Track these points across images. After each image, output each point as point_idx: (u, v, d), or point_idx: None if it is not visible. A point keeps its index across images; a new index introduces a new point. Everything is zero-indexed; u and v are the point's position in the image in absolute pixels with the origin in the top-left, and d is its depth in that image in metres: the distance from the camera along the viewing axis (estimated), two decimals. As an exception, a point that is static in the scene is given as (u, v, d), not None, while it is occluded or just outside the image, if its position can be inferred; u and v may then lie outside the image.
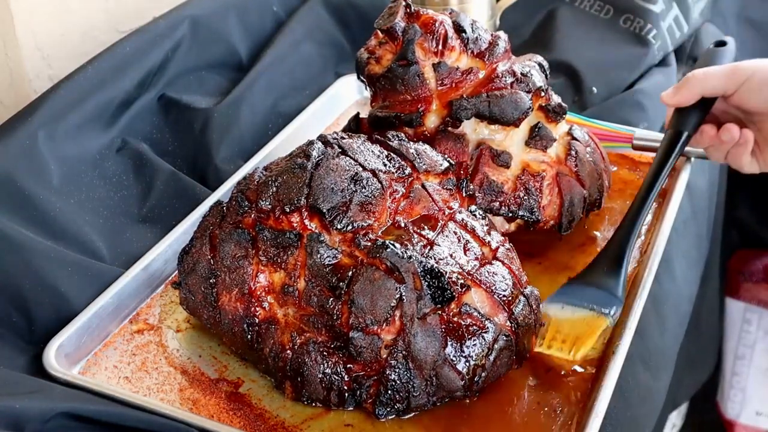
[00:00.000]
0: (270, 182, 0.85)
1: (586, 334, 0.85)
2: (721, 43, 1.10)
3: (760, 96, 0.98)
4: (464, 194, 0.90)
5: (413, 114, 0.96)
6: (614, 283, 0.89)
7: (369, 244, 0.81)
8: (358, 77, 1.03)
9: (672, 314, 1.02)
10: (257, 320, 0.83)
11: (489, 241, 0.86)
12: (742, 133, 1.00)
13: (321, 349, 0.80)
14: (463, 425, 0.81)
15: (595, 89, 1.27)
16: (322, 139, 0.88)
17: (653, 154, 1.15)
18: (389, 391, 0.79)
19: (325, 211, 0.82)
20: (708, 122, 1.03)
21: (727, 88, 1.00)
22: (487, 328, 0.80)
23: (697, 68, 1.03)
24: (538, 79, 0.99)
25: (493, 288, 0.82)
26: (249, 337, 0.83)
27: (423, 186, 0.87)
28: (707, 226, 1.26)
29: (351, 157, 0.85)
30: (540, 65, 1.01)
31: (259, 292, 0.83)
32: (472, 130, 0.98)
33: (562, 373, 0.86)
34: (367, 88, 1.02)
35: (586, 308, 0.87)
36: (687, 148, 1.11)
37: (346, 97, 1.29)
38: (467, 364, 0.80)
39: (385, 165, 0.87)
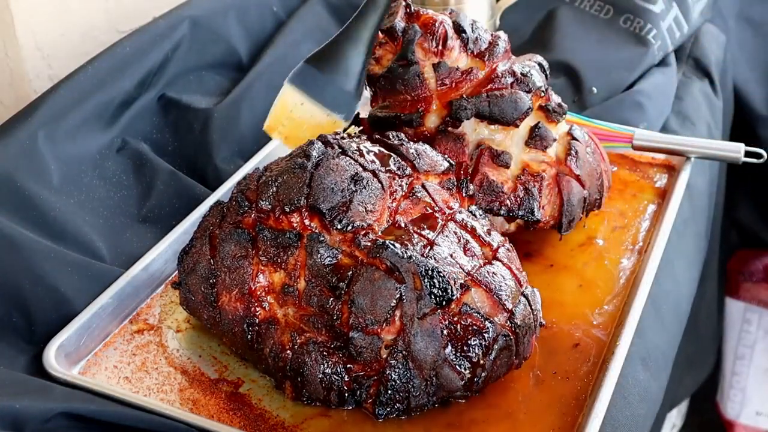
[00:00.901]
0: (270, 182, 0.85)
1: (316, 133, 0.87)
2: None
3: None
4: (464, 194, 0.90)
5: (413, 114, 0.96)
6: (352, 76, 0.90)
7: (369, 244, 0.81)
8: (359, 77, 1.03)
9: (671, 314, 1.02)
10: (257, 320, 0.83)
11: (489, 242, 0.86)
12: None
13: (321, 349, 0.80)
14: (463, 425, 0.81)
15: (595, 89, 1.27)
16: (322, 139, 0.88)
17: (653, 154, 1.15)
18: (389, 391, 0.79)
19: (325, 211, 0.82)
20: None
21: None
22: (487, 328, 0.80)
23: None
24: (538, 79, 0.99)
25: (493, 288, 0.82)
26: (249, 337, 0.83)
27: (423, 186, 0.87)
28: (706, 226, 1.26)
29: (351, 157, 0.85)
30: (540, 65, 1.01)
31: (259, 292, 0.83)
32: (472, 130, 0.98)
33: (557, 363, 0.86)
34: (367, 88, 1.02)
35: (325, 112, 0.89)
36: (685, 147, 1.12)
37: (346, 97, 1.28)
38: (467, 364, 0.80)
39: (385, 165, 0.87)
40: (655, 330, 0.96)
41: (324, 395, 0.81)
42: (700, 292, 1.24)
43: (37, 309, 0.90)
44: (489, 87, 0.96)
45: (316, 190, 0.83)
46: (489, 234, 0.87)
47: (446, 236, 0.84)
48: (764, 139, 1.52)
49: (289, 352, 0.81)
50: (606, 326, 0.91)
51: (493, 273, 0.83)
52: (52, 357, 0.85)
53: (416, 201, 0.86)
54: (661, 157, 1.15)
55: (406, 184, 0.87)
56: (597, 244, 1.03)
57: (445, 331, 0.79)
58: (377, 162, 0.87)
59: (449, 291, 0.79)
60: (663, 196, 1.09)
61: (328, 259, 0.81)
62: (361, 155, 0.86)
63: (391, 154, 0.89)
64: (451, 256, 0.82)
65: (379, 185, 0.84)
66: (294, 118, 0.88)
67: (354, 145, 0.87)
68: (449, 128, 0.97)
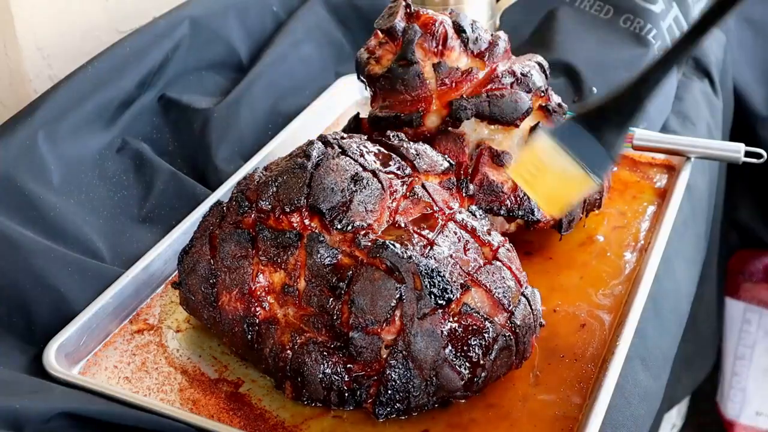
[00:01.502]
0: (270, 182, 0.85)
1: (568, 191, 0.82)
2: None
3: None
4: (464, 194, 0.90)
5: (413, 114, 0.96)
6: (615, 140, 0.81)
7: (369, 244, 0.81)
8: (358, 77, 1.03)
9: (671, 314, 1.02)
10: (257, 320, 0.83)
11: (489, 241, 0.86)
12: None
13: (321, 349, 0.80)
14: (463, 425, 0.81)
15: (595, 89, 1.27)
16: (322, 139, 0.88)
17: (653, 154, 1.15)
18: (389, 391, 0.79)
19: (325, 211, 0.82)
20: None
21: None
22: (487, 328, 0.80)
23: None
24: (538, 79, 0.99)
25: (494, 288, 0.82)
26: (249, 337, 0.83)
27: (423, 186, 0.87)
28: (706, 226, 1.26)
29: (351, 157, 0.85)
30: (540, 65, 1.01)
31: (259, 292, 0.83)
32: (472, 130, 0.98)
33: (563, 357, 0.86)
34: (367, 88, 1.02)
35: (578, 164, 0.81)
36: (685, 147, 1.11)
37: (346, 97, 1.29)
38: (467, 364, 0.80)
39: (385, 165, 0.87)
40: (656, 330, 0.96)
41: (324, 395, 0.81)
42: (699, 292, 1.24)
43: (37, 309, 0.90)
44: (489, 87, 0.96)
45: (316, 190, 0.83)
46: (489, 234, 0.87)
47: (446, 236, 0.84)
48: (764, 139, 1.52)
49: (289, 352, 0.81)
50: (610, 309, 0.92)
51: (494, 273, 0.83)
52: (52, 357, 0.85)
53: (416, 201, 0.86)
54: (661, 157, 1.15)
55: (406, 184, 0.87)
56: (597, 244, 1.03)
57: (445, 331, 0.79)
58: (377, 162, 0.87)
59: (449, 291, 0.79)
60: (663, 196, 1.09)
61: (328, 259, 0.81)
62: (361, 155, 0.86)
63: (391, 154, 0.89)
64: (451, 256, 0.82)
65: (379, 185, 0.84)
66: (543, 166, 0.82)
67: (354, 145, 0.87)
68: (449, 128, 0.97)
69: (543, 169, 0.81)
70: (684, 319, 1.09)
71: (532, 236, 1.01)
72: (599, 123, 0.82)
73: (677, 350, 1.04)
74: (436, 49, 0.97)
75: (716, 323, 1.78)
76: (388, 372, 0.79)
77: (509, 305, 0.82)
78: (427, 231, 0.83)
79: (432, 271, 0.79)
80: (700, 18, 0.82)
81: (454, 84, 0.97)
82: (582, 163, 0.80)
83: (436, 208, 0.86)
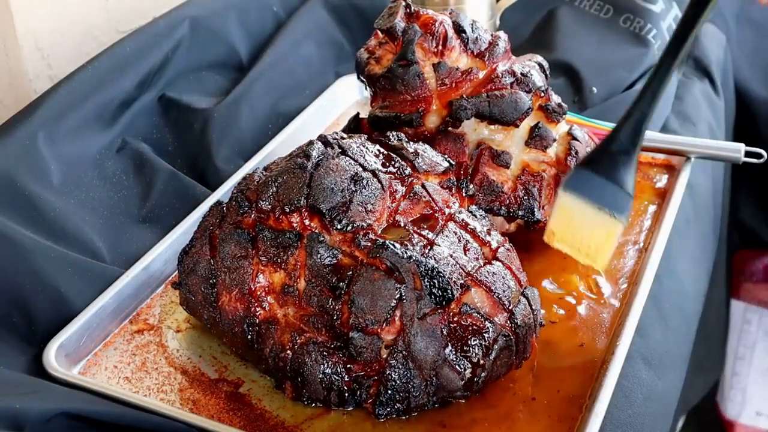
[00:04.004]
0: (270, 182, 0.85)
1: (605, 240, 0.83)
2: None
3: None
4: (464, 194, 0.90)
5: (413, 114, 0.96)
6: (626, 174, 0.83)
7: (369, 244, 0.81)
8: (358, 77, 1.03)
9: (675, 313, 1.01)
10: (257, 320, 0.83)
11: (489, 241, 0.86)
12: None
13: (321, 349, 0.80)
14: (463, 425, 0.81)
15: (595, 89, 1.27)
16: (322, 139, 0.88)
17: (653, 154, 1.15)
18: (389, 391, 0.79)
19: (325, 211, 0.82)
20: None
21: None
22: (487, 328, 0.80)
23: None
24: (538, 79, 0.99)
25: (494, 288, 0.82)
26: (249, 337, 0.83)
27: (423, 186, 0.87)
28: (711, 225, 1.26)
29: (351, 158, 0.85)
30: (540, 65, 1.01)
31: (259, 292, 0.83)
32: (472, 130, 0.98)
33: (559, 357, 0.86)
34: (367, 88, 1.02)
35: (599, 209, 0.82)
36: (685, 147, 1.11)
37: (346, 97, 1.29)
38: (467, 364, 0.80)
39: (385, 165, 0.87)
40: (659, 329, 0.96)
41: (324, 395, 0.81)
42: (709, 295, 1.23)
43: (37, 309, 0.90)
44: (489, 87, 0.96)
45: (315, 190, 0.83)
46: (489, 234, 0.87)
47: (446, 236, 0.84)
48: (767, 139, 1.52)
49: (289, 352, 0.81)
50: (611, 308, 0.92)
51: (493, 273, 0.83)
52: (52, 357, 0.85)
53: (416, 201, 0.86)
54: (661, 157, 1.15)
55: (406, 184, 0.87)
56: (597, 244, 1.03)
57: (445, 331, 0.79)
58: (377, 162, 0.87)
59: (449, 291, 0.79)
60: (663, 196, 1.09)
61: (328, 259, 0.81)
62: (361, 155, 0.86)
63: (391, 154, 0.89)
64: (451, 256, 0.82)
65: (379, 185, 0.84)
66: (574, 226, 0.84)
67: (354, 145, 0.87)
68: (449, 128, 0.97)
69: (575, 230, 0.83)
70: (693, 318, 1.08)
71: (532, 236, 1.01)
72: (606, 164, 0.84)
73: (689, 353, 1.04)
74: (436, 49, 0.97)
75: (725, 325, 1.77)
76: (388, 372, 0.79)
77: (509, 305, 0.82)
78: (427, 231, 0.83)
79: (432, 271, 0.79)
80: (668, 48, 0.84)
81: (454, 84, 0.96)
82: (604, 209, 0.82)
83: (436, 208, 0.86)
